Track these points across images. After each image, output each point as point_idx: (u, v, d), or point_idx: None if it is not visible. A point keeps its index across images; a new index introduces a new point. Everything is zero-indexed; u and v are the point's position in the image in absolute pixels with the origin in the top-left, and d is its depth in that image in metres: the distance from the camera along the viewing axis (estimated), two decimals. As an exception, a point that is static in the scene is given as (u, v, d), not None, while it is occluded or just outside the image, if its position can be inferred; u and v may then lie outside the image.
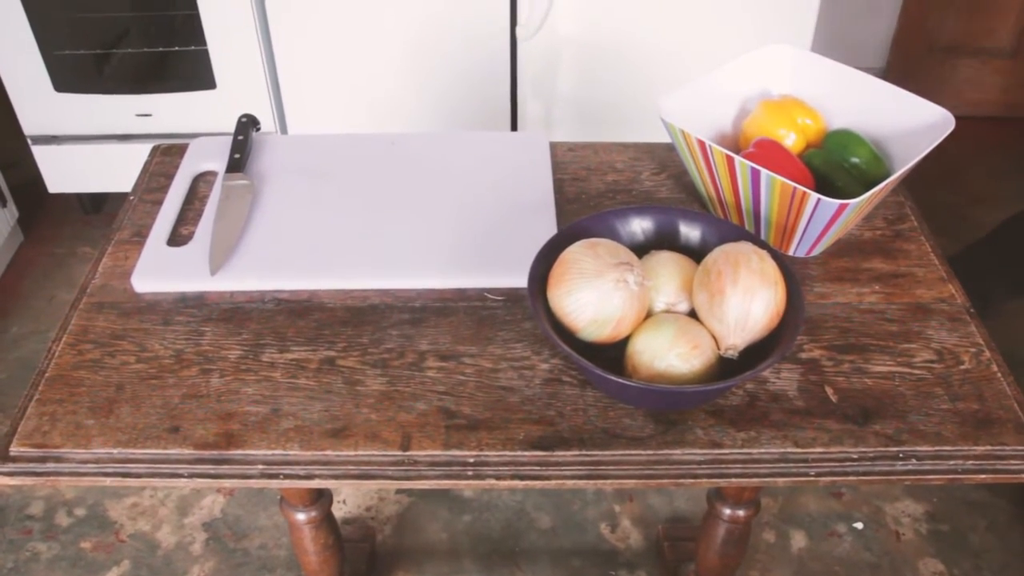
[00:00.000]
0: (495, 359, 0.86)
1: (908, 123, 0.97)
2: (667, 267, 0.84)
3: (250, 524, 1.69)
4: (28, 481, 0.78)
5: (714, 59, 1.08)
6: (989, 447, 0.78)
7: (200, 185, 1.08)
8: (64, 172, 2.27)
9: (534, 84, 2.08)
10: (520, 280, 0.86)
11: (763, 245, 0.82)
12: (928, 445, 0.78)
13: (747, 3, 1.87)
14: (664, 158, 1.11)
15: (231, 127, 1.11)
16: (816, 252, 0.96)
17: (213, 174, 1.09)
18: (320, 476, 0.77)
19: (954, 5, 2.58)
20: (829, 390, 0.83)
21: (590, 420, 0.80)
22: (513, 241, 0.97)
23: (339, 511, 1.70)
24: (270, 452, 0.78)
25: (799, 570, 1.62)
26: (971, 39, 2.66)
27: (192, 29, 2.02)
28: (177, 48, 2.07)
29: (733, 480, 0.77)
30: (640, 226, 0.89)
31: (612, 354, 0.81)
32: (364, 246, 0.96)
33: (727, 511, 1.23)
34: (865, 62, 2.74)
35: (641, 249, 0.87)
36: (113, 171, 2.24)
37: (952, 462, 0.78)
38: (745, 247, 0.80)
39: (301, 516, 1.23)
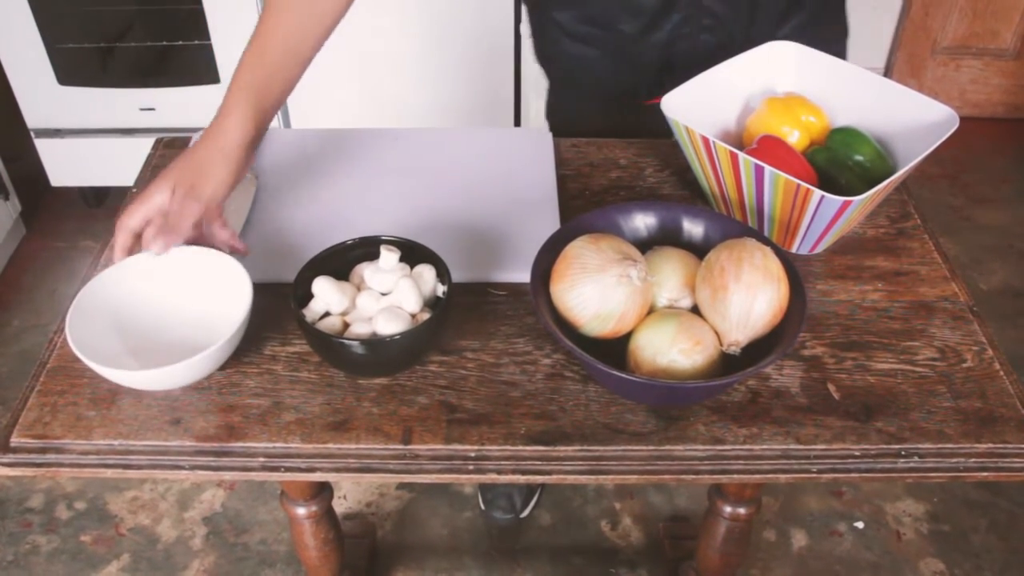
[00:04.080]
0: (497, 354, 0.86)
1: (912, 121, 0.97)
2: (670, 263, 0.84)
3: (250, 519, 1.69)
4: (28, 472, 0.78)
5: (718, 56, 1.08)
6: (991, 445, 0.78)
7: (203, 178, 1.08)
8: (67, 166, 2.27)
9: (538, 80, 2.07)
10: (523, 275, 0.86)
11: (766, 242, 0.82)
12: (930, 443, 0.78)
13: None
14: (667, 155, 1.11)
15: (234, 121, 1.11)
16: (819, 249, 0.96)
17: (216, 167, 1.09)
18: (321, 469, 0.77)
19: (958, 6, 2.58)
20: (831, 387, 0.83)
21: (592, 415, 0.80)
22: (516, 236, 0.97)
23: (340, 507, 1.70)
24: (271, 445, 0.78)
25: (800, 569, 1.62)
26: (975, 40, 2.65)
27: (196, 23, 2.02)
28: (181, 42, 2.08)
29: (735, 476, 0.77)
30: (643, 222, 0.89)
31: (614, 349, 0.80)
32: (367, 240, 0.96)
33: (728, 509, 1.23)
34: (868, 62, 2.73)
35: (644, 245, 0.87)
36: (116, 165, 2.24)
37: (954, 460, 0.78)
38: (748, 244, 0.80)
39: (301, 510, 1.23)
